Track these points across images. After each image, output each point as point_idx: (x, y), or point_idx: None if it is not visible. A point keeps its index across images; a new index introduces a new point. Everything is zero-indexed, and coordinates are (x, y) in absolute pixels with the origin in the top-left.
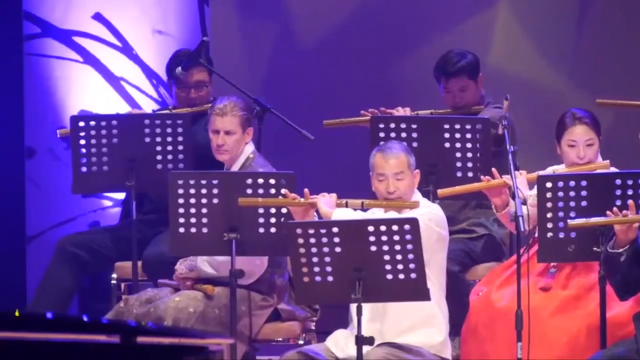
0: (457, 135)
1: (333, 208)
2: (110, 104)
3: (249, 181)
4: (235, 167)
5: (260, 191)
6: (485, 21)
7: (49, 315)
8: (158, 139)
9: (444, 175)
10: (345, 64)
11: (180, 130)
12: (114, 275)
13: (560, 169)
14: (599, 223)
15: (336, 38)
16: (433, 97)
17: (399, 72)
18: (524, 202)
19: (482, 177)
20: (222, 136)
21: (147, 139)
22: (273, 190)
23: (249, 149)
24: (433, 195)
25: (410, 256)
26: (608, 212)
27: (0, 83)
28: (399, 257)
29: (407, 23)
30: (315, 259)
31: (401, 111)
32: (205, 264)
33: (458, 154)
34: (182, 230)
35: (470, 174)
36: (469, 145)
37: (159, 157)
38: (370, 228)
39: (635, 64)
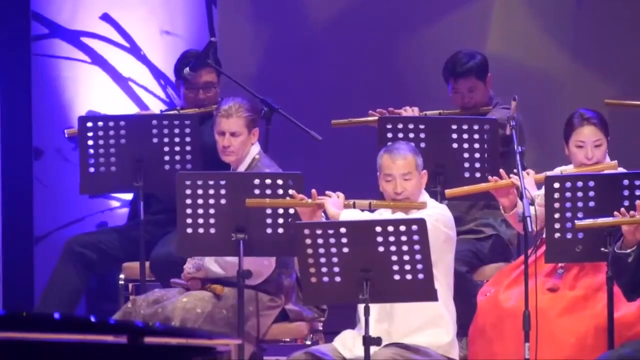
0: (465, 136)
1: (341, 209)
2: (118, 104)
3: (257, 182)
4: (242, 168)
5: (268, 192)
6: (483, 6)
7: (56, 315)
8: (166, 140)
9: (451, 176)
10: (353, 65)
11: (187, 130)
12: (122, 276)
13: (568, 169)
14: (607, 224)
15: (343, 38)
16: (441, 96)
17: (407, 71)
18: (532, 203)
19: (489, 177)
20: (228, 137)
21: (155, 140)
22: (281, 191)
23: (255, 149)
24: (441, 195)
25: (418, 257)
26: (616, 213)
27: (8, 84)
28: (406, 257)
29: (412, 20)
30: (322, 260)
31: (409, 111)
32: (213, 263)
33: (466, 155)
34: (189, 230)
35: (478, 175)
36: (476, 145)
37: (166, 158)
38: (378, 229)
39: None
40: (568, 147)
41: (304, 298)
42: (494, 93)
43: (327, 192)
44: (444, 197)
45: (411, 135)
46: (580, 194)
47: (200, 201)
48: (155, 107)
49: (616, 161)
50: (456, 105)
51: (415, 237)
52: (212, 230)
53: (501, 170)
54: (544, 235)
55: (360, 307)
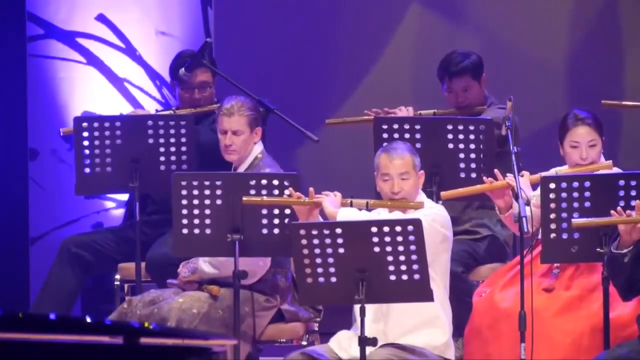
0: (461, 136)
1: (338, 207)
2: (114, 105)
3: (253, 182)
4: (243, 167)
5: (264, 192)
6: None
7: (52, 316)
8: (161, 140)
9: (447, 176)
10: (348, 65)
11: (183, 131)
12: (118, 277)
13: (563, 169)
14: (603, 222)
15: (339, 39)
16: (437, 95)
17: (402, 71)
18: (527, 203)
19: (484, 178)
20: (230, 136)
21: (151, 140)
22: (276, 192)
23: (258, 148)
24: (436, 196)
25: (414, 257)
26: (612, 212)
27: (3, 85)
28: (402, 257)
29: (408, 22)
30: (318, 260)
31: (404, 110)
32: (206, 265)
33: (461, 155)
34: (185, 231)
35: (473, 175)
36: (472, 146)
37: (162, 158)
38: (374, 229)
39: None
40: (563, 147)
41: (299, 298)
42: (488, 93)
43: (324, 192)
44: (440, 198)
45: (407, 135)
46: (576, 194)
47: (195, 202)
48: (151, 107)
49: (611, 161)
50: (450, 104)
51: (411, 238)
52: (208, 231)
53: (496, 171)
54: (539, 236)
55: (356, 308)
